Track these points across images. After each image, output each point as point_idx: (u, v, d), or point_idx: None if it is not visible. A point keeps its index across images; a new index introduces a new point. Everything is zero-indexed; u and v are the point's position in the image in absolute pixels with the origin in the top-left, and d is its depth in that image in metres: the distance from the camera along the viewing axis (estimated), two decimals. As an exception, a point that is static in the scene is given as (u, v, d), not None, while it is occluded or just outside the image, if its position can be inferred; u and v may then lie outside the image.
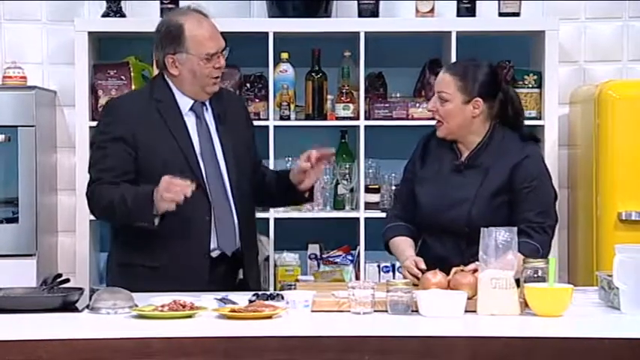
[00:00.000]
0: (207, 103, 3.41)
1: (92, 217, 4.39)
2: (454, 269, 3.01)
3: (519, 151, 3.31)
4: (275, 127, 4.40)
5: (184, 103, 3.37)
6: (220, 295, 3.02)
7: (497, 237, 2.88)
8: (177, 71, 3.34)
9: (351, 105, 4.45)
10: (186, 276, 3.25)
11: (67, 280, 3.08)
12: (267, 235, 4.39)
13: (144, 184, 3.26)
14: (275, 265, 4.40)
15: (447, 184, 3.32)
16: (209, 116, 3.40)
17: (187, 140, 3.33)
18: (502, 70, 4.49)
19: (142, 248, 3.32)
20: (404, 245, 3.35)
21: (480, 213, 3.24)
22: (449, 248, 3.26)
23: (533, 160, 3.32)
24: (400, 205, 3.47)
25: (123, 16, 4.49)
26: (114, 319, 2.80)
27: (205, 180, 3.32)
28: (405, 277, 3.18)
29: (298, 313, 2.83)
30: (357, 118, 4.44)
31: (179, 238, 3.28)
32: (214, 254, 3.34)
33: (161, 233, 3.27)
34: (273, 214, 4.40)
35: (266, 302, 2.89)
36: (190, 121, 3.37)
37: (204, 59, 3.31)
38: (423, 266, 3.17)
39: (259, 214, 4.33)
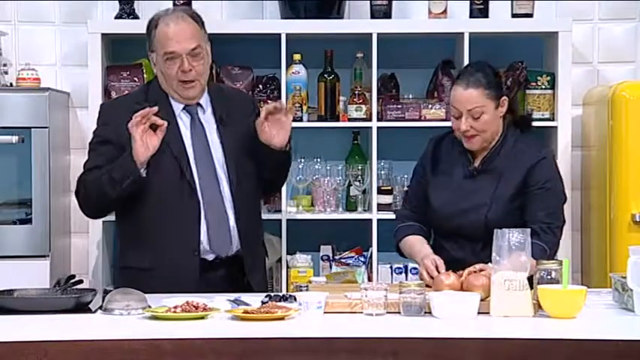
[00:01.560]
0: (204, 104, 3.39)
1: (105, 218, 4.41)
2: (467, 270, 3.01)
3: (535, 153, 3.31)
4: (287, 128, 4.40)
5: (177, 103, 3.37)
6: (233, 296, 3.02)
7: (511, 238, 2.87)
8: (155, 70, 3.38)
9: (363, 106, 4.44)
10: (176, 277, 3.24)
11: (80, 282, 3.09)
12: (280, 237, 4.39)
13: (135, 185, 3.27)
14: (287, 267, 4.40)
15: (461, 189, 3.31)
16: (207, 117, 3.39)
17: (179, 141, 3.32)
18: (515, 71, 4.48)
19: (133, 250, 3.35)
20: (419, 244, 3.34)
21: (497, 217, 3.23)
22: (466, 251, 3.25)
23: (548, 162, 3.32)
24: (410, 206, 3.46)
25: (136, 17, 4.50)
26: (127, 320, 2.81)
27: (196, 181, 3.31)
28: (420, 275, 3.17)
29: (311, 314, 2.83)
30: (370, 119, 4.43)
31: (166, 238, 3.29)
32: (210, 257, 3.32)
33: (149, 234, 3.30)
34: (286, 215, 4.40)
35: (279, 304, 2.89)
36: (184, 121, 3.36)
37: (167, 59, 3.30)
38: (442, 269, 3.15)
39: (272, 216, 4.35)
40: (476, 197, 3.29)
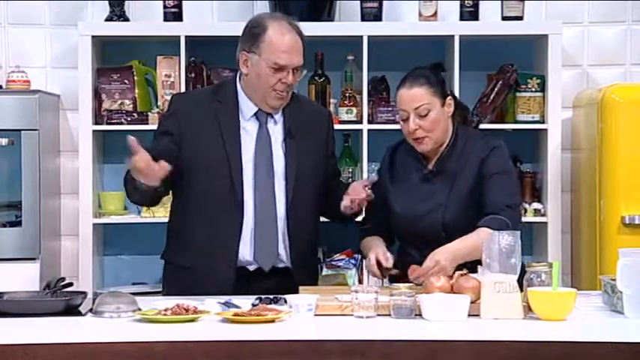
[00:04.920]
0: (275, 115, 3.32)
1: (95, 221, 4.41)
2: (457, 273, 3.01)
3: (485, 146, 3.30)
4: (278, 130, 4.40)
5: (248, 108, 3.30)
6: (223, 299, 3.02)
7: (501, 241, 2.88)
8: (247, 70, 3.28)
9: (354, 109, 4.45)
10: (213, 283, 3.20)
11: (70, 284, 3.09)
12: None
13: (186, 183, 3.27)
14: (278, 269, 4.38)
15: (417, 193, 3.31)
16: (276, 127, 3.31)
17: (236, 146, 3.26)
18: (506, 73, 4.49)
19: (175, 247, 3.35)
20: (372, 241, 3.33)
21: (454, 217, 3.24)
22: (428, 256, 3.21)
23: (500, 151, 3.30)
24: (371, 217, 3.43)
25: (126, 20, 4.50)
26: (117, 322, 2.80)
27: (245, 192, 3.25)
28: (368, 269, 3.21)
29: (301, 317, 2.83)
30: (360, 121, 4.44)
31: (206, 243, 3.26)
32: (251, 268, 3.28)
33: (192, 236, 3.28)
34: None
35: (269, 306, 2.89)
36: (252, 127, 3.30)
37: (272, 68, 3.22)
38: (389, 264, 3.16)
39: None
40: (432, 200, 3.28)
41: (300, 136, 3.33)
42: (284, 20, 3.30)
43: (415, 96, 3.25)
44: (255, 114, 3.31)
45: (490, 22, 4.51)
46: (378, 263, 3.21)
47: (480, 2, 4.49)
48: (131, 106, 4.47)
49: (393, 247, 3.43)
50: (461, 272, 3.00)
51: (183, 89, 4.39)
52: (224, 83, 3.45)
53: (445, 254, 3.08)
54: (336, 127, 4.44)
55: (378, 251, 3.23)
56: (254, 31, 3.27)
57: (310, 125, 3.38)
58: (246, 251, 3.27)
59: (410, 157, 3.36)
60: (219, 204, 3.26)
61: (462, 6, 4.48)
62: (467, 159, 3.29)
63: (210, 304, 2.93)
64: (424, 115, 3.24)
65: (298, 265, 3.33)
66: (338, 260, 4.43)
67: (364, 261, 4.30)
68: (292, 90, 3.31)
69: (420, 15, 4.49)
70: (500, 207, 3.20)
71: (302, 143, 3.33)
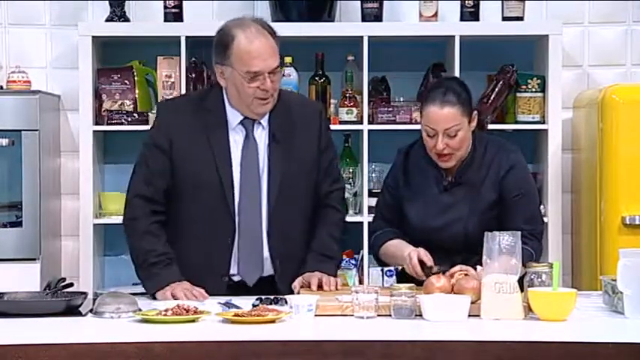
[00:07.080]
0: (262, 120, 3.22)
1: (96, 221, 4.41)
2: (457, 274, 3.01)
3: (504, 162, 3.27)
4: (278, 131, 4.39)
5: (234, 116, 3.21)
6: (224, 299, 3.02)
7: (501, 241, 2.88)
8: (224, 83, 3.19)
9: (354, 109, 4.45)
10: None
11: (71, 285, 3.09)
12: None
13: (178, 196, 3.21)
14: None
15: (437, 204, 3.28)
16: (263, 133, 3.22)
17: (226, 156, 3.18)
18: (506, 74, 4.50)
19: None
20: (403, 244, 3.29)
21: (476, 229, 3.20)
22: (445, 264, 3.17)
23: (519, 169, 3.29)
24: (384, 221, 3.39)
25: (127, 20, 4.50)
26: (117, 323, 2.80)
27: (236, 202, 3.19)
28: (408, 269, 3.15)
29: (302, 317, 2.83)
30: (361, 122, 4.44)
31: (198, 258, 3.20)
32: (237, 279, 3.22)
33: (182, 248, 3.21)
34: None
35: (269, 307, 2.89)
36: (238, 136, 3.22)
37: (247, 77, 3.11)
38: (429, 261, 3.13)
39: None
40: (453, 211, 3.26)
41: (287, 138, 3.23)
42: (251, 25, 3.18)
43: (447, 117, 3.17)
44: (242, 122, 3.22)
45: (490, 23, 4.51)
46: (421, 262, 3.17)
47: (481, 3, 4.49)
48: (131, 106, 4.47)
49: None
50: (456, 269, 3.00)
51: (183, 90, 4.39)
52: (212, 90, 3.31)
53: None
54: (337, 127, 4.46)
55: (419, 250, 3.17)
56: (223, 43, 3.17)
57: (298, 125, 3.26)
58: (234, 266, 3.22)
59: (425, 162, 3.30)
60: (210, 219, 3.19)
61: (462, 6, 4.48)
62: (487, 170, 3.27)
63: (211, 304, 2.93)
64: (453, 135, 3.19)
65: (284, 274, 3.23)
66: (338, 261, 4.43)
67: (373, 266, 4.35)
68: (276, 92, 3.20)
69: (421, 15, 4.49)
70: (524, 234, 3.07)
71: (289, 146, 3.23)
